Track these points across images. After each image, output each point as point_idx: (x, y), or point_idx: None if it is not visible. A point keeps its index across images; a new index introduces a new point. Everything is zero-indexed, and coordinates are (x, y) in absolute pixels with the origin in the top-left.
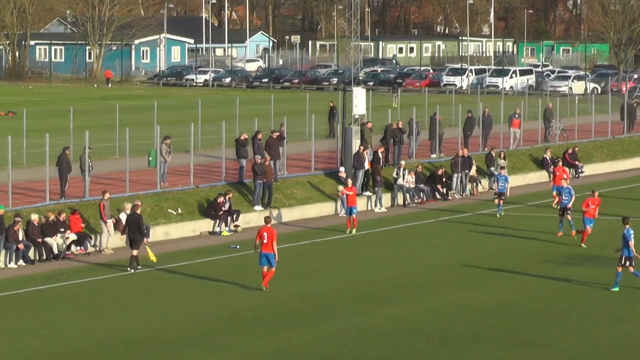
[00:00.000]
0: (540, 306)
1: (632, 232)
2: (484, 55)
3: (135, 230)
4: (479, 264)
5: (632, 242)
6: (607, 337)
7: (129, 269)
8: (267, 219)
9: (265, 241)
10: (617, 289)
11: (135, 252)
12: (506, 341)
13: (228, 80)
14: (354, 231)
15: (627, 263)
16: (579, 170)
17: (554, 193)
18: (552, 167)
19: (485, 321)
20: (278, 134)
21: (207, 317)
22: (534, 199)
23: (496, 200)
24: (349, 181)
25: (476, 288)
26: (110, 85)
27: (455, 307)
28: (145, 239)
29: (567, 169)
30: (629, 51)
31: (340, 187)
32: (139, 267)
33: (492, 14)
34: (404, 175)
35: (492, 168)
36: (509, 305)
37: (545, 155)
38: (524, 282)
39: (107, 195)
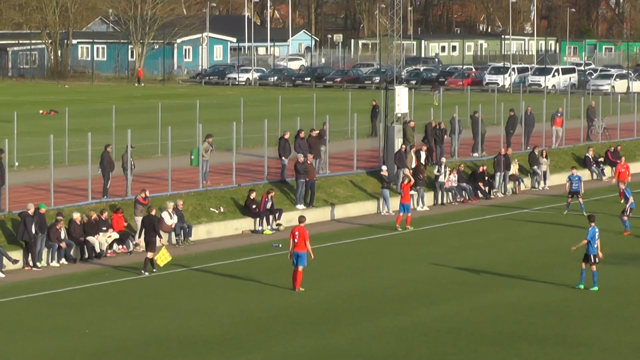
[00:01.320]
0: (584, 305)
1: (597, 230)
2: (527, 53)
3: (151, 232)
4: (522, 262)
5: (598, 241)
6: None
7: (143, 271)
8: (301, 218)
9: (296, 240)
10: (596, 288)
11: (150, 255)
12: (549, 340)
13: (274, 79)
14: (411, 227)
15: (594, 260)
16: None
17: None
18: (615, 162)
19: (529, 320)
20: (318, 132)
21: (248, 316)
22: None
23: (569, 199)
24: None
25: (519, 287)
26: (142, 84)
27: (498, 306)
28: (160, 240)
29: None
30: None
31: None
32: (154, 270)
33: (534, 13)
34: (445, 173)
35: (535, 167)
36: (553, 304)
37: (587, 154)
38: (568, 280)
39: (143, 194)
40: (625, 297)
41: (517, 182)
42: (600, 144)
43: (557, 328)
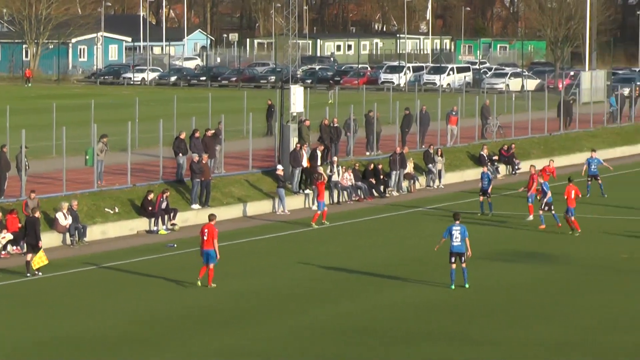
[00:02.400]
0: (481, 303)
1: (455, 228)
2: (422, 52)
3: (32, 234)
4: (419, 260)
5: (467, 239)
6: (544, 333)
7: (27, 274)
8: (210, 217)
9: (205, 238)
10: (467, 285)
11: (29, 257)
12: (455, 338)
13: (174, 78)
14: (327, 222)
15: (461, 259)
16: (516, 167)
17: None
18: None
19: (430, 318)
20: (213, 132)
21: (144, 317)
22: (470, 196)
23: (588, 181)
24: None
25: (417, 285)
26: (30, 84)
27: (397, 305)
28: (39, 242)
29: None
30: (565, 48)
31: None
32: (36, 272)
33: (429, 12)
34: (338, 172)
35: (430, 165)
36: (452, 302)
37: (482, 152)
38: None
39: (32, 195)
40: (520, 295)
41: (412, 181)
42: (494, 142)
43: (458, 325)
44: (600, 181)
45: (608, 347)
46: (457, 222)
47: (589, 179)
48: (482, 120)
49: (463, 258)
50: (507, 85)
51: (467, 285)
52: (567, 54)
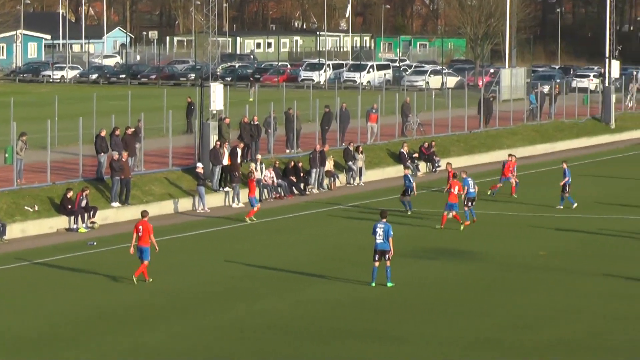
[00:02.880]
0: (399, 300)
1: (380, 226)
2: (342, 50)
3: None
4: (338, 258)
5: (392, 238)
6: (462, 331)
7: None
8: (143, 213)
9: (140, 234)
10: (391, 284)
11: None
12: (373, 335)
13: (95, 76)
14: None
15: (386, 257)
16: (436, 165)
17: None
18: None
19: (349, 316)
20: (133, 130)
21: (65, 316)
22: (391, 193)
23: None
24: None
25: (336, 283)
26: None
27: (317, 302)
28: None
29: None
30: (485, 46)
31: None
32: None
33: (349, 9)
34: (261, 169)
35: (350, 163)
36: (370, 300)
37: (402, 150)
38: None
39: None
40: (440, 292)
41: (332, 178)
42: (414, 139)
43: (376, 323)
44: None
45: (521, 345)
46: (383, 220)
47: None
48: (402, 118)
49: (387, 256)
50: (427, 82)
51: (389, 284)
52: (487, 51)
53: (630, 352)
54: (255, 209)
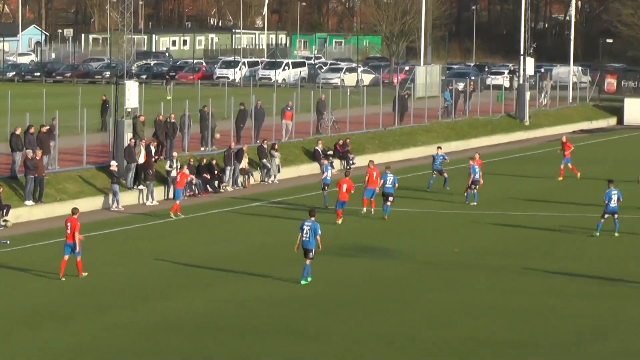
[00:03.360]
0: (319, 298)
1: (307, 224)
2: (257, 48)
3: None
4: (254, 256)
5: (319, 236)
6: (377, 328)
7: None
8: (73, 210)
9: (69, 231)
10: (308, 280)
11: None
12: (284, 332)
13: (12, 74)
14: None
15: (310, 255)
16: (350, 162)
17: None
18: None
19: (264, 313)
20: (48, 128)
21: None
22: (305, 190)
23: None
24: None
25: (248, 281)
26: None
27: (235, 299)
28: None
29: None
30: (400, 43)
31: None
32: None
33: (265, 7)
34: (176, 167)
35: (265, 160)
36: (292, 297)
37: (317, 147)
38: (296, 274)
39: None
40: (358, 290)
41: (247, 176)
42: (329, 137)
43: (293, 320)
44: (445, 175)
45: (435, 342)
46: (312, 218)
47: (434, 172)
48: (317, 115)
49: (310, 254)
50: (343, 80)
51: (303, 282)
52: (402, 48)
53: (535, 346)
54: (177, 202)
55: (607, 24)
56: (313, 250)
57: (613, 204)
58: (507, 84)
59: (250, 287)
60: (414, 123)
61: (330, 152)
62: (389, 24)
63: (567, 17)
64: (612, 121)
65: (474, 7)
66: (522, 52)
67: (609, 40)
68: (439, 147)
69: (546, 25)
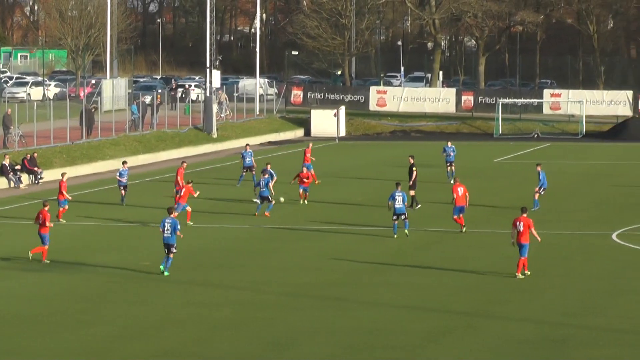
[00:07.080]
0: (14, 314)
1: (168, 222)
2: None
3: None
4: None
5: None
6: (67, 342)
7: None
8: (44, 203)
9: (40, 222)
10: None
11: None
12: None
13: None
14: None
15: (172, 249)
16: (39, 177)
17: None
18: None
19: None
20: None
21: None
22: None
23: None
24: None
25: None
26: None
27: None
28: None
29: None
30: (86, 57)
31: None
32: None
33: None
34: None
35: None
36: None
37: (4, 162)
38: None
39: None
40: (48, 304)
41: None
42: (16, 151)
43: None
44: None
45: (128, 355)
46: (172, 215)
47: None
48: (3, 130)
49: (172, 249)
50: (29, 94)
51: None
52: (88, 62)
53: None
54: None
55: (293, 36)
56: (174, 246)
57: (398, 204)
58: (194, 96)
59: None
60: (101, 137)
61: (18, 167)
62: (74, 38)
63: (253, 30)
64: (299, 132)
65: (159, 20)
66: (208, 65)
67: (295, 53)
68: (124, 162)
69: (232, 38)
